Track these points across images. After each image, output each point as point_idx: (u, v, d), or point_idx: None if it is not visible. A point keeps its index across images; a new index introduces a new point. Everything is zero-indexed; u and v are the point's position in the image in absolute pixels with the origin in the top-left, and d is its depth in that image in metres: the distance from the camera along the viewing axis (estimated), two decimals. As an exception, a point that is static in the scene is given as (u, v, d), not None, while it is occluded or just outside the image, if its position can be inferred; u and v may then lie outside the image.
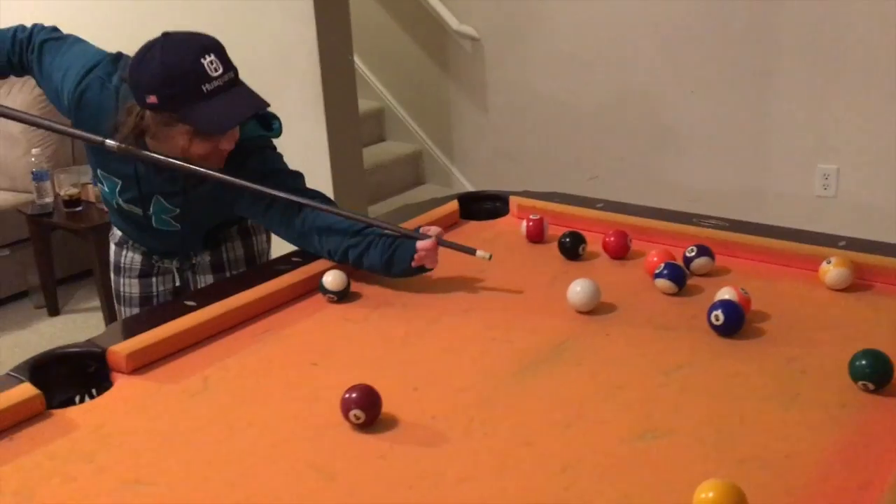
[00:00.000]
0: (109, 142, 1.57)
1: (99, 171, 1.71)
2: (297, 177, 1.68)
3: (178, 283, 1.89)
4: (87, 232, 3.34)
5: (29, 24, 1.78)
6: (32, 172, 3.50)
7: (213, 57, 1.47)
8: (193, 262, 1.86)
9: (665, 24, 3.56)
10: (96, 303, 3.54)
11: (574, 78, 3.90)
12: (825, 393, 1.21)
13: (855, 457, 1.07)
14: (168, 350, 1.39)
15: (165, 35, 1.51)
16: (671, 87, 3.63)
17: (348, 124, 3.22)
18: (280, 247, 1.81)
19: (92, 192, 3.48)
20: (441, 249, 1.57)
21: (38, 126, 1.75)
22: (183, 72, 1.46)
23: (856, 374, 1.21)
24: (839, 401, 1.19)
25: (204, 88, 1.46)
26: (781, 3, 3.26)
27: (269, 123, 1.70)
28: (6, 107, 1.73)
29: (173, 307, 1.52)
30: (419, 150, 4.64)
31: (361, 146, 3.39)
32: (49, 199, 3.49)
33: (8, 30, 1.78)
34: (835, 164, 3.31)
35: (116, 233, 1.91)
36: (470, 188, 4.20)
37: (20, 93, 3.68)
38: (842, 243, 1.65)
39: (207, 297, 1.53)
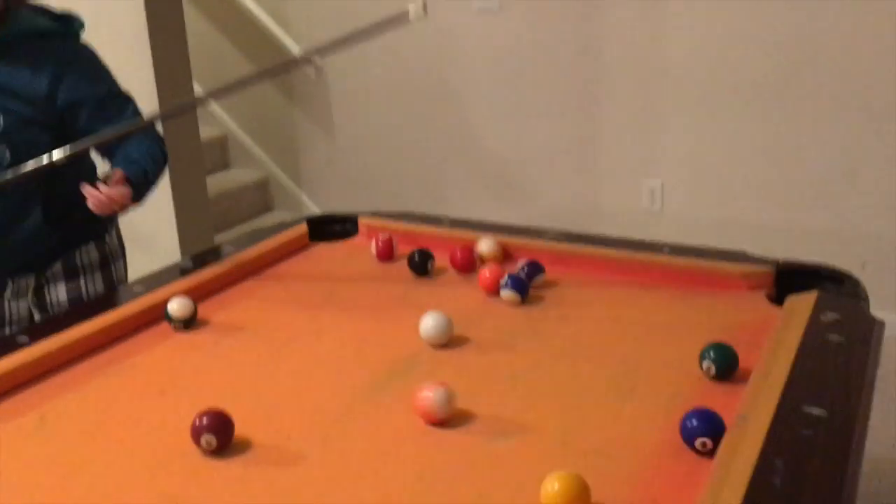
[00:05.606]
0: None
1: None
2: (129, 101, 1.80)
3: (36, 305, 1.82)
4: None
5: None
6: None
7: None
8: (47, 273, 1.78)
9: (498, 49, 3.72)
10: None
11: (414, 106, 3.99)
12: (657, 386, 1.30)
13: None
14: (-2, 390, 1.31)
15: None
16: (507, 113, 3.79)
17: (190, 152, 3.14)
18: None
19: None
20: None
21: None
22: None
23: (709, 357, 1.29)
24: (670, 392, 1.28)
25: None
26: (603, 26, 3.48)
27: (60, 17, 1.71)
28: None
29: (2, 344, 1.43)
30: (266, 178, 4.58)
31: (205, 174, 3.31)
32: None
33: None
34: (659, 179, 3.55)
35: None
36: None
37: None
38: (665, 250, 1.78)
39: (41, 331, 1.45)
